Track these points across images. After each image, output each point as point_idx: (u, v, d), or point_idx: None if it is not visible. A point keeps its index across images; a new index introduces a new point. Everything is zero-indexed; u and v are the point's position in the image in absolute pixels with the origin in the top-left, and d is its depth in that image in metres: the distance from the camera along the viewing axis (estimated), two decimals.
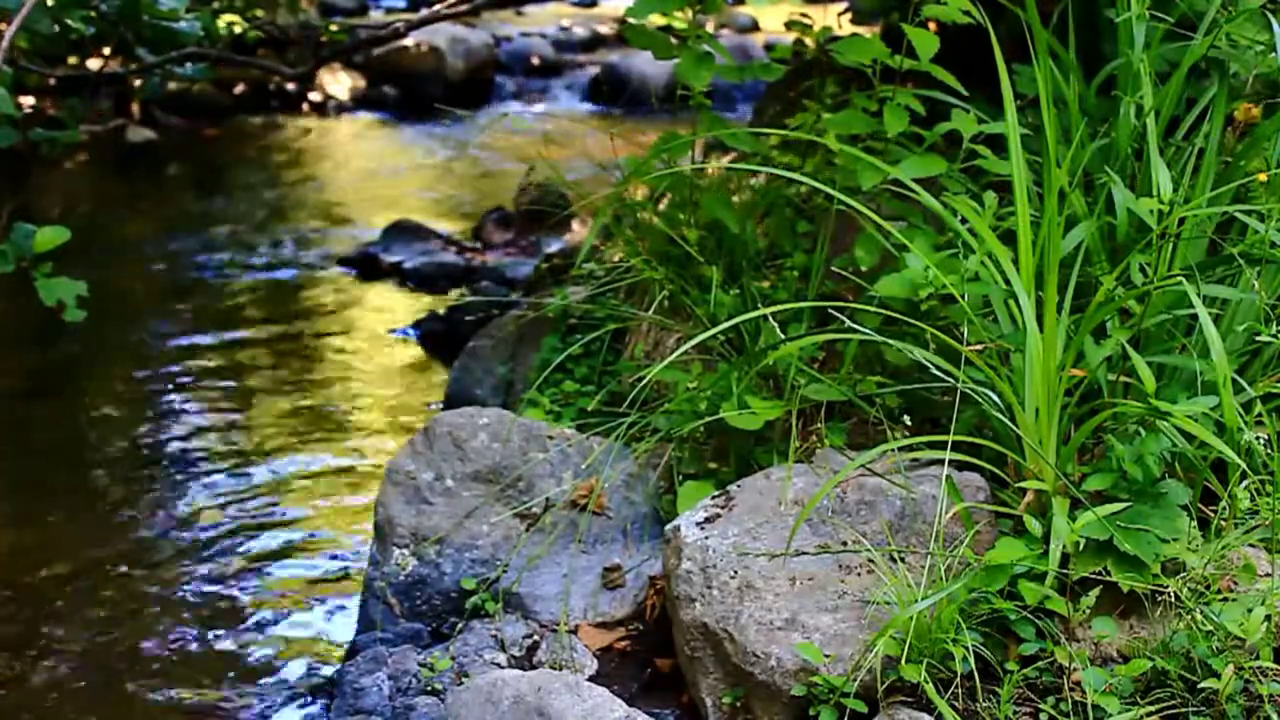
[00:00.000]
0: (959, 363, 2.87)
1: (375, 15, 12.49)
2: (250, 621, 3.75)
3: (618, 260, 4.02)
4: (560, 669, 3.07)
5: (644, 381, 3.24)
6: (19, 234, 3.69)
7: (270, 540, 4.19)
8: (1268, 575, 2.61)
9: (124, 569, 4.02)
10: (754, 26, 12.71)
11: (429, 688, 3.09)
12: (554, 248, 6.21)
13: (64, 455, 4.76)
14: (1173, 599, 2.61)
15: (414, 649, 3.22)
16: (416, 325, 5.97)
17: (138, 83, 7.76)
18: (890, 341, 3.06)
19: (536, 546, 3.37)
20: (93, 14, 5.31)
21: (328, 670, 3.45)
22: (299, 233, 7.47)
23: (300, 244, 7.27)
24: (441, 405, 4.83)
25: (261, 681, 3.47)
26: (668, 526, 3.05)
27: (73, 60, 8.50)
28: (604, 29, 12.43)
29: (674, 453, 3.44)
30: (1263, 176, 3.07)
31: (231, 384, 5.41)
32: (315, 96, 10.66)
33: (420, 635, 3.32)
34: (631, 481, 3.47)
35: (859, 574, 2.82)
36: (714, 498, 3.09)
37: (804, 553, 2.87)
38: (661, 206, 4.04)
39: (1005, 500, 2.87)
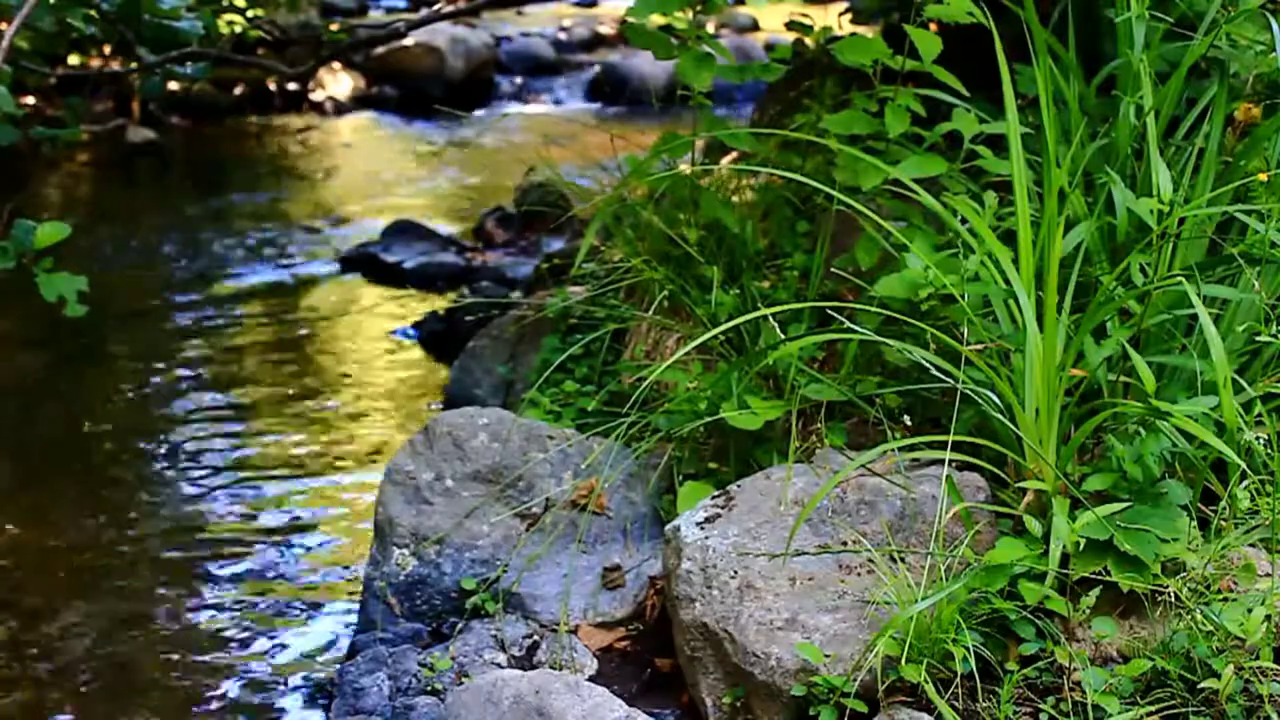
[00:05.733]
0: (959, 363, 2.87)
1: (375, 15, 12.49)
2: (250, 621, 3.75)
3: (618, 260, 4.02)
4: (560, 669, 3.07)
5: (645, 382, 3.24)
6: (20, 230, 3.69)
7: (270, 540, 4.19)
8: (1268, 575, 2.61)
9: (124, 568, 4.02)
10: (754, 26, 12.71)
11: (429, 688, 3.09)
12: (554, 248, 6.21)
13: (64, 455, 4.76)
14: (1173, 599, 2.61)
15: (414, 649, 3.22)
16: (416, 325, 5.96)
17: (138, 82, 7.77)
18: (890, 341, 3.06)
19: (536, 546, 3.37)
20: (93, 13, 5.31)
21: (328, 670, 3.45)
22: (299, 233, 7.47)
23: (300, 244, 7.27)
24: (441, 405, 4.83)
25: (261, 681, 3.46)
26: (668, 526, 3.05)
27: (73, 59, 8.50)
28: (604, 29, 12.44)
29: (674, 453, 3.44)
30: (1263, 176, 3.07)
31: (231, 383, 5.41)
32: (315, 96, 10.66)
33: (420, 635, 3.32)
34: (631, 481, 3.47)
35: (859, 574, 2.82)
36: (714, 498, 3.09)
37: (804, 553, 2.87)
38: (661, 206, 4.04)
39: (1005, 500, 2.87)
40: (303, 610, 3.80)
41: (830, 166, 3.72)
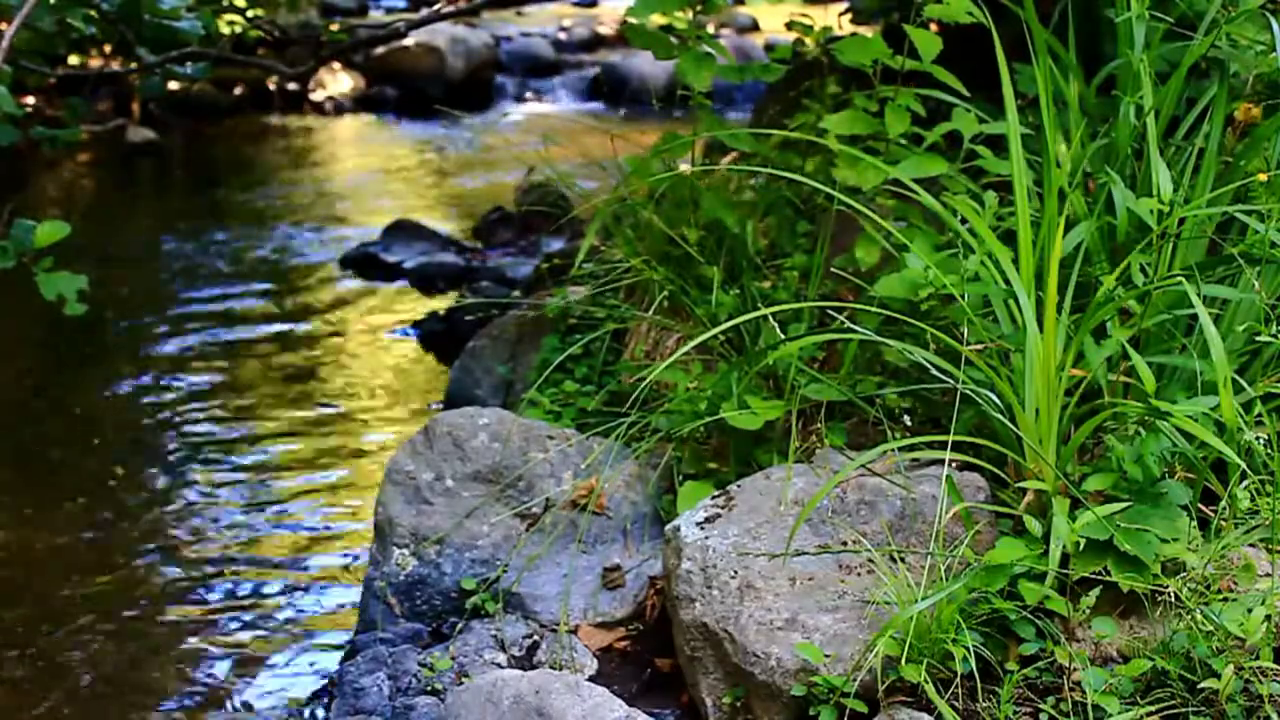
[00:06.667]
0: (959, 363, 2.87)
1: (375, 15, 12.51)
2: (250, 621, 3.75)
3: (618, 260, 4.02)
4: (560, 669, 3.07)
5: (644, 382, 3.24)
6: (20, 229, 3.70)
7: (270, 539, 4.19)
8: (1268, 575, 2.61)
9: (123, 568, 4.02)
10: (754, 26, 12.72)
11: (429, 688, 3.09)
12: (554, 248, 6.21)
13: (64, 455, 4.77)
14: (1173, 599, 2.61)
15: (414, 649, 3.22)
16: (416, 325, 5.97)
17: (138, 82, 7.78)
18: (890, 342, 3.06)
19: (536, 546, 3.37)
20: (93, 13, 5.31)
21: (328, 670, 3.45)
22: (299, 233, 7.47)
23: (300, 244, 7.27)
24: (441, 405, 4.83)
25: (261, 681, 3.47)
26: (668, 526, 3.05)
27: (73, 60, 8.50)
28: (604, 29, 12.44)
29: (674, 453, 3.44)
30: (1263, 176, 3.07)
31: (231, 384, 5.41)
32: (315, 96, 10.66)
33: (420, 635, 3.32)
34: (631, 481, 3.47)
35: (859, 574, 2.82)
36: (714, 498, 3.09)
37: (804, 553, 2.87)
38: (661, 206, 4.04)
39: (1005, 500, 2.87)
40: (303, 610, 3.81)
41: (830, 166, 3.72)
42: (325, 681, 3.38)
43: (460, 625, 3.27)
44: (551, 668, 3.07)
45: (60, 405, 5.16)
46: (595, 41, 12.32)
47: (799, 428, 3.23)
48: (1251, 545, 2.70)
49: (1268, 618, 2.45)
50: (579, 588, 3.30)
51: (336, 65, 10.61)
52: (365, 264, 6.82)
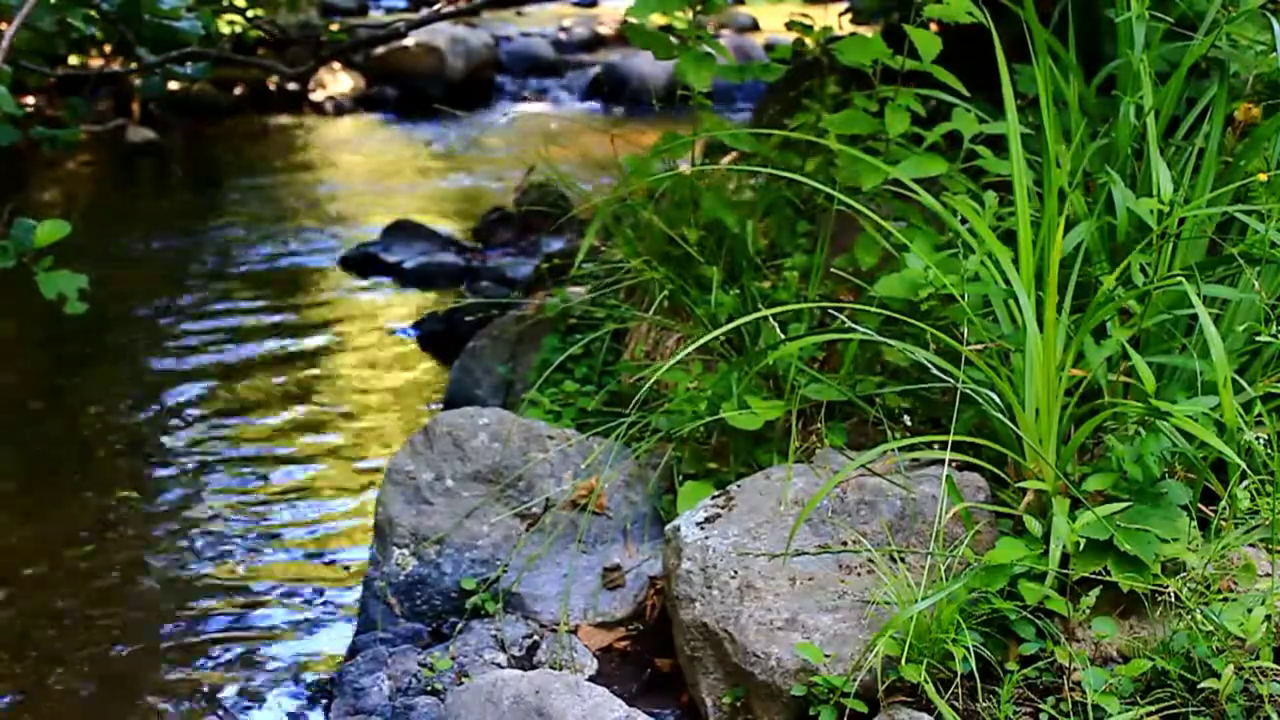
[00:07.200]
0: (959, 363, 2.87)
1: (375, 15, 12.50)
2: (250, 621, 3.75)
3: (618, 260, 4.02)
4: (560, 669, 3.07)
5: (645, 382, 3.24)
6: (20, 229, 3.70)
7: (270, 540, 4.19)
8: (1268, 575, 2.61)
9: (123, 568, 4.02)
10: (754, 26, 12.72)
11: (429, 688, 3.09)
12: (554, 248, 6.21)
13: (64, 455, 4.76)
14: (1173, 599, 2.61)
15: (414, 649, 3.22)
16: (416, 325, 5.96)
17: (138, 82, 7.78)
18: (890, 342, 3.06)
19: (536, 546, 3.37)
20: (93, 13, 5.31)
21: (328, 670, 3.45)
22: (299, 232, 7.47)
23: (300, 244, 7.27)
24: (441, 405, 4.83)
25: (262, 681, 3.46)
26: (668, 526, 3.05)
27: (73, 60, 8.50)
28: (604, 29, 12.44)
29: (674, 453, 3.44)
30: (1263, 176, 3.07)
31: (230, 383, 5.41)
32: (315, 96, 10.66)
33: (420, 635, 3.32)
34: (631, 481, 3.47)
35: (859, 574, 2.82)
36: (714, 498, 3.09)
37: (804, 553, 2.87)
38: (661, 206, 4.05)
39: (1005, 500, 2.87)
40: (303, 610, 3.80)
41: (830, 166, 3.72)
42: (325, 681, 3.38)
43: (460, 625, 3.27)
44: (551, 668, 3.07)
45: (60, 405, 5.16)
46: (595, 41, 12.31)
47: (799, 428, 3.23)
48: (1251, 545, 2.70)
49: (1268, 618, 2.45)
50: (579, 588, 3.30)
51: (336, 65, 10.60)
52: (365, 264, 6.82)
